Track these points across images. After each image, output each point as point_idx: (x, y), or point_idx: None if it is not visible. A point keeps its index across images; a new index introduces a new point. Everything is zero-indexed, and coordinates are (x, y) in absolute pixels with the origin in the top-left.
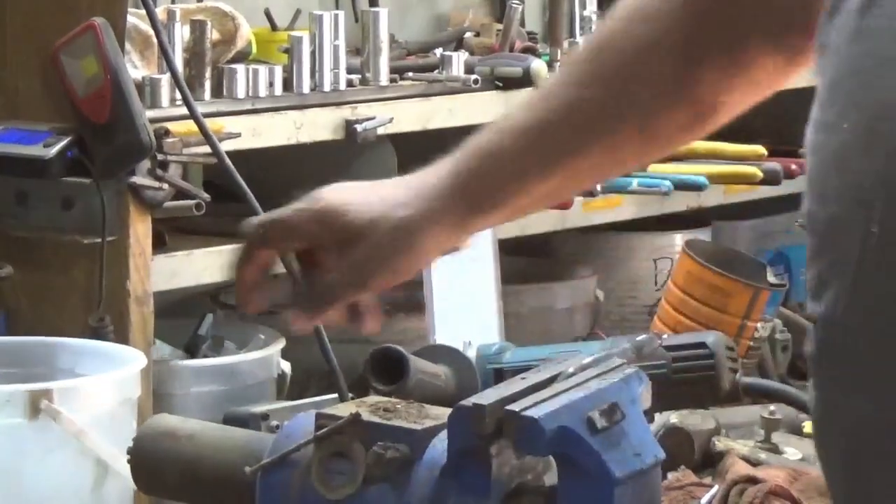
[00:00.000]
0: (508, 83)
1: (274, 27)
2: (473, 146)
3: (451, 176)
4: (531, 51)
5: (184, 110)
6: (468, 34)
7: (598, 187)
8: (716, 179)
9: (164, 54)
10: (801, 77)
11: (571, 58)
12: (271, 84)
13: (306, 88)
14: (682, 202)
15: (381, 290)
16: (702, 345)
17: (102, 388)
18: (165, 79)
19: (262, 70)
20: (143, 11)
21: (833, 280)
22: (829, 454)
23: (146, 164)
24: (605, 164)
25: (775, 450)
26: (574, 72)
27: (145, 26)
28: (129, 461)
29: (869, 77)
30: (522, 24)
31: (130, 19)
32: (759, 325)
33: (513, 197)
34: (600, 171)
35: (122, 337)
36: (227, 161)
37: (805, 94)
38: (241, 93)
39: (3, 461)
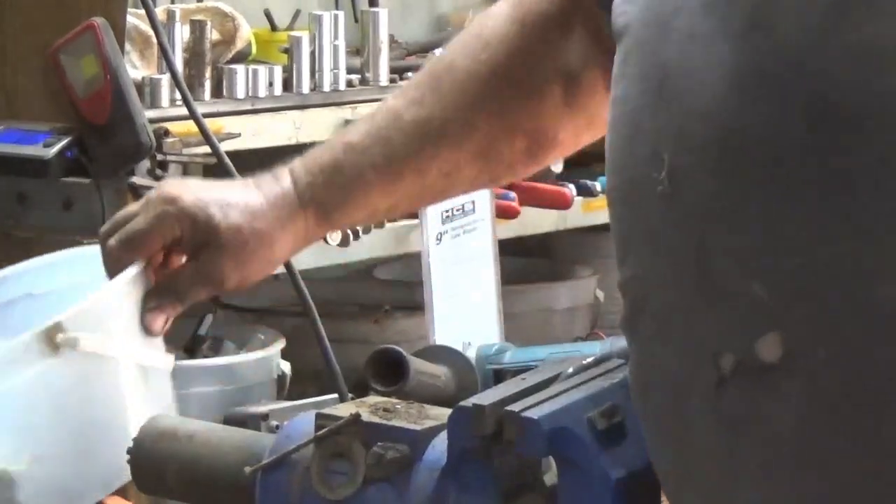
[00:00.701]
0: None
1: (274, 27)
2: (319, 160)
3: (302, 189)
4: None
5: (183, 110)
6: None
7: (598, 187)
8: None
9: (164, 54)
10: None
11: (415, 79)
12: (271, 84)
13: (306, 88)
14: None
15: (227, 292)
16: None
17: (108, 301)
18: (165, 79)
19: (262, 70)
20: (143, 11)
21: (635, 241)
22: (646, 409)
23: (146, 164)
24: (442, 184)
25: None
26: (418, 94)
27: (145, 26)
28: (128, 461)
29: (654, 44)
30: None
31: (130, 19)
32: None
33: (358, 210)
34: (439, 190)
35: None
36: (227, 161)
37: None
38: (240, 93)
39: (54, 406)
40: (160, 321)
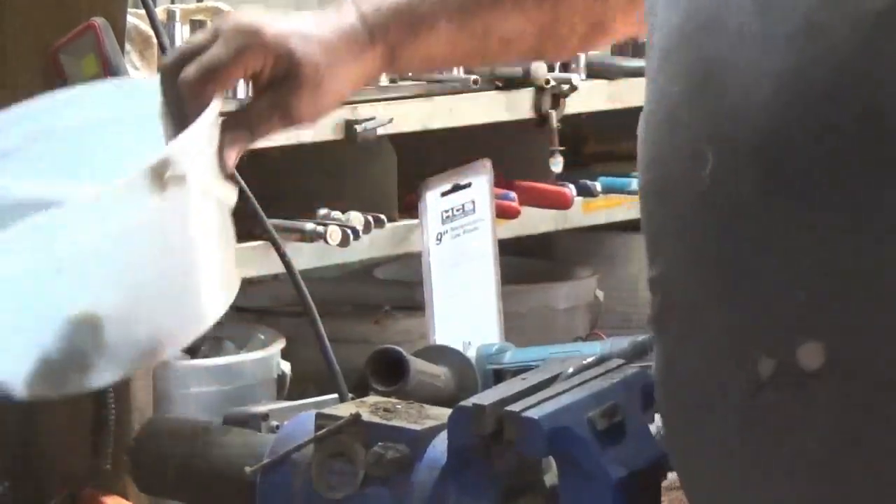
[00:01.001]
0: (508, 83)
1: None
2: (387, 4)
3: (372, 26)
4: None
5: None
6: None
7: (598, 187)
8: None
9: (164, 54)
10: None
11: None
12: None
13: None
14: None
15: (298, 125)
16: None
17: (202, 135)
18: None
19: None
20: (143, 11)
21: (668, 238)
22: (669, 406)
23: None
24: (498, 50)
25: None
26: None
27: (145, 26)
28: (129, 461)
29: (699, 41)
30: None
31: (130, 19)
32: None
33: (420, 56)
34: (493, 55)
35: None
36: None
37: None
38: (241, 92)
39: (156, 246)
40: (234, 155)
